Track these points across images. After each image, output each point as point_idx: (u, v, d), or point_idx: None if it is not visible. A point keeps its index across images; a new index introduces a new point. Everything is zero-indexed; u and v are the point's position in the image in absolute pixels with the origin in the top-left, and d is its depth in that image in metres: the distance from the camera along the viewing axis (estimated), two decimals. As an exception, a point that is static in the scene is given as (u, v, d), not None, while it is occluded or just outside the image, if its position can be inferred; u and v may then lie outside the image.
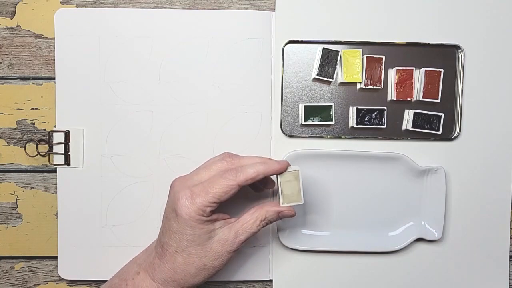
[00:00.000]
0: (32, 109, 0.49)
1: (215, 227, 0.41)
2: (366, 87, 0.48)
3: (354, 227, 0.49)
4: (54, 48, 0.48)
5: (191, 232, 0.40)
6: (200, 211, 0.39)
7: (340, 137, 0.49)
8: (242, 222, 0.42)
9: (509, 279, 0.50)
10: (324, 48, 0.48)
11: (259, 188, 0.47)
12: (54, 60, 0.48)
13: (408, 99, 0.49)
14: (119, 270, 0.45)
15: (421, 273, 0.50)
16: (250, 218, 0.42)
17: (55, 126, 0.49)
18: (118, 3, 0.49)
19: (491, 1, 0.49)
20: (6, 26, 0.49)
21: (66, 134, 0.48)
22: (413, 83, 0.48)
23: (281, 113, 0.49)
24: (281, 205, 0.42)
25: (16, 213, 0.49)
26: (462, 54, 0.49)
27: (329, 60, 0.48)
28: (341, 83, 0.49)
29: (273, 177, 0.45)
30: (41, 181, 0.49)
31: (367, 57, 0.48)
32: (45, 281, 0.50)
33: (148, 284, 0.42)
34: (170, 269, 0.41)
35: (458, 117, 0.49)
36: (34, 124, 0.49)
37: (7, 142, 0.49)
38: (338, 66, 0.49)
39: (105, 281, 0.49)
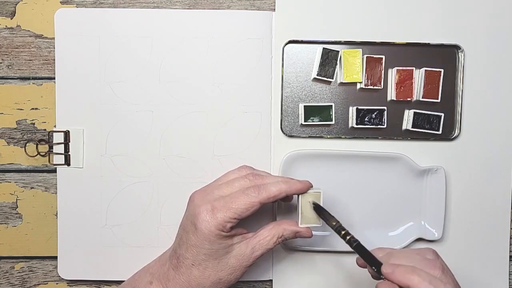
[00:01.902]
0: (32, 109, 0.49)
1: (233, 242, 0.41)
2: (366, 87, 0.48)
3: (354, 227, 0.49)
4: (54, 48, 0.48)
5: (209, 246, 0.40)
6: (220, 226, 0.39)
7: (340, 137, 0.49)
8: (259, 238, 0.42)
9: (509, 279, 0.50)
10: (324, 48, 0.48)
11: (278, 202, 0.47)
12: (54, 60, 0.48)
13: (408, 99, 0.49)
14: (129, 278, 0.45)
15: (421, 273, 0.50)
16: (268, 235, 0.42)
17: (55, 126, 0.49)
18: (118, 3, 0.49)
19: (491, 1, 0.49)
20: (6, 26, 0.49)
21: (66, 134, 0.48)
22: (413, 83, 0.48)
23: (281, 113, 0.49)
24: (300, 225, 0.42)
25: (16, 213, 0.49)
26: (462, 54, 0.49)
27: (329, 60, 0.48)
28: (341, 83, 0.49)
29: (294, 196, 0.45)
30: (41, 181, 0.49)
31: (367, 57, 0.48)
32: (45, 281, 0.50)
33: None
34: (185, 282, 0.41)
35: (458, 117, 0.49)
36: (34, 124, 0.49)
37: (7, 142, 0.49)
38: (338, 66, 0.49)
39: (105, 281, 0.50)
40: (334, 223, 0.40)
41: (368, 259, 0.39)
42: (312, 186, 0.42)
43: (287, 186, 0.41)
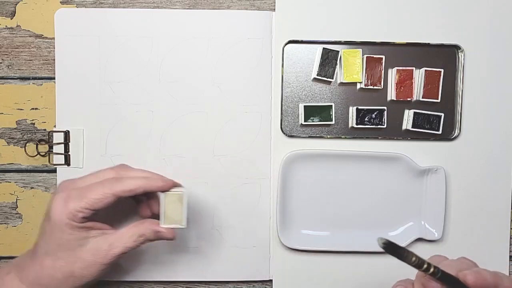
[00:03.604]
0: (32, 109, 0.49)
1: (88, 235, 0.40)
2: (366, 87, 0.48)
3: (354, 227, 0.49)
4: (54, 48, 0.48)
5: (60, 236, 0.39)
6: (71, 215, 0.38)
7: (340, 137, 0.49)
8: (119, 234, 0.40)
9: (509, 279, 0.50)
10: (324, 48, 0.48)
11: (145, 209, 0.45)
12: (54, 60, 0.48)
13: (408, 99, 0.49)
14: None
15: (421, 273, 0.50)
16: (128, 232, 0.40)
17: (55, 126, 0.49)
18: (118, 3, 0.49)
19: (491, 1, 0.49)
20: (6, 26, 0.49)
21: (66, 134, 0.48)
22: (413, 83, 0.48)
23: (281, 113, 0.49)
24: (161, 225, 0.41)
25: (16, 213, 0.49)
26: (462, 54, 0.48)
27: (329, 60, 0.48)
28: (341, 83, 0.49)
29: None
30: (41, 181, 0.49)
31: (367, 57, 0.48)
32: (45, 281, 0.50)
33: (15, 286, 0.40)
34: (37, 271, 0.39)
35: (458, 117, 0.49)
36: (34, 124, 0.49)
37: (7, 142, 0.49)
38: (338, 66, 0.49)
39: (105, 281, 0.49)
40: (413, 259, 0.34)
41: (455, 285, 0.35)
42: (179, 186, 0.41)
43: (145, 182, 0.40)
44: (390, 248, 0.33)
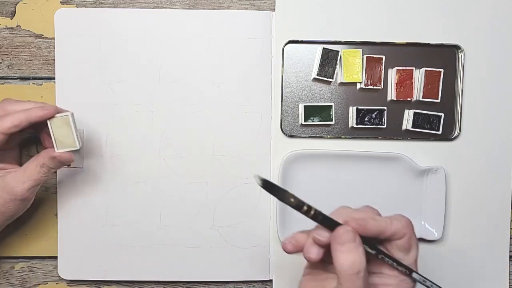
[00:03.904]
0: (32, 109, 0.49)
1: None
2: (366, 87, 0.48)
3: (354, 227, 0.49)
4: (54, 48, 0.48)
5: None
6: None
7: (340, 137, 0.49)
8: (23, 169, 0.42)
9: (509, 279, 0.50)
10: (324, 48, 0.48)
11: (45, 138, 0.45)
12: (54, 60, 0.48)
13: (408, 99, 0.49)
14: None
15: (421, 273, 0.50)
16: (30, 165, 0.42)
17: (55, 126, 0.49)
18: (118, 3, 0.49)
19: (491, 1, 0.49)
20: (6, 26, 0.49)
21: (66, 134, 0.48)
22: (413, 83, 0.48)
23: (281, 113, 0.49)
24: (56, 151, 0.42)
25: (16, 213, 0.49)
26: (462, 54, 0.49)
27: (329, 60, 0.48)
28: (341, 83, 0.49)
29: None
30: (41, 181, 0.49)
31: (367, 57, 0.48)
32: (45, 281, 0.50)
33: None
34: None
35: (458, 117, 0.49)
36: (34, 124, 0.49)
37: (7, 142, 0.49)
38: (338, 66, 0.49)
39: (105, 281, 0.50)
40: (292, 200, 0.33)
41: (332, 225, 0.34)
42: (63, 111, 0.42)
43: (26, 115, 0.41)
44: (267, 186, 0.33)
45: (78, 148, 0.42)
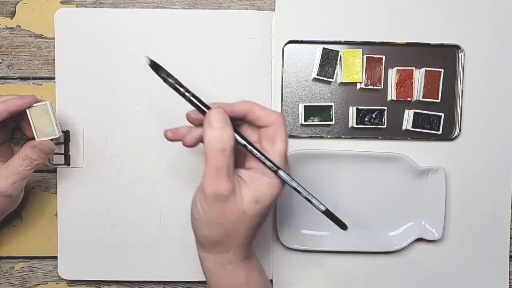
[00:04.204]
0: (32, 109, 0.49)
1: None
2: (366, 87, 0.48)
3: (354, 227, 0.49)
4: (54, 48, 0.48)
5: None
6: None
7: (340, 137, 0.49)
8: (8, 164, 0.42)
9: (509, 279, 0.50)
10: (324, 48, 0.48)
11: (27, 128, 0.46)
12: (54, 60, 0.48)
13: (408, 99, 0.49)
14: None
15: (421, 273, 0.50)
16: (14, 160, 0.42)
17: (55, 126, 0.49)
18: (118, 3, 0.49)
19: (491, 1, 0.49)
20: (6, 26, 0.49)
21: (66, 134, 0.48)
22: (413, 83, 0.48)
23: (281, 113, 0.49)
24: (37, 139, 0.42)
25: (16, 213, 0.49)
26: (462, 54, 0.49)
27: (329, 60, 0.48)
28: (341, 83, 0.49)
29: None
30: (41, 181, 0.49)
31: (367, 57, 0.48)
32: (45, 281, 0.50)
33: None
34: None
35: (458, 117, 0.49)
36: (34, 124, 0.49)
37: (7, 142, 0.49)
38: (338, 66, 0.49)
39: (105, 281, 0.50)
40: (171, 80, 0.38)
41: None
42: (41, 100, 0.43)
43: (5, 105, 0.41)
44: (154, 66, 0.38)
45: (57, 136, 0.43)
